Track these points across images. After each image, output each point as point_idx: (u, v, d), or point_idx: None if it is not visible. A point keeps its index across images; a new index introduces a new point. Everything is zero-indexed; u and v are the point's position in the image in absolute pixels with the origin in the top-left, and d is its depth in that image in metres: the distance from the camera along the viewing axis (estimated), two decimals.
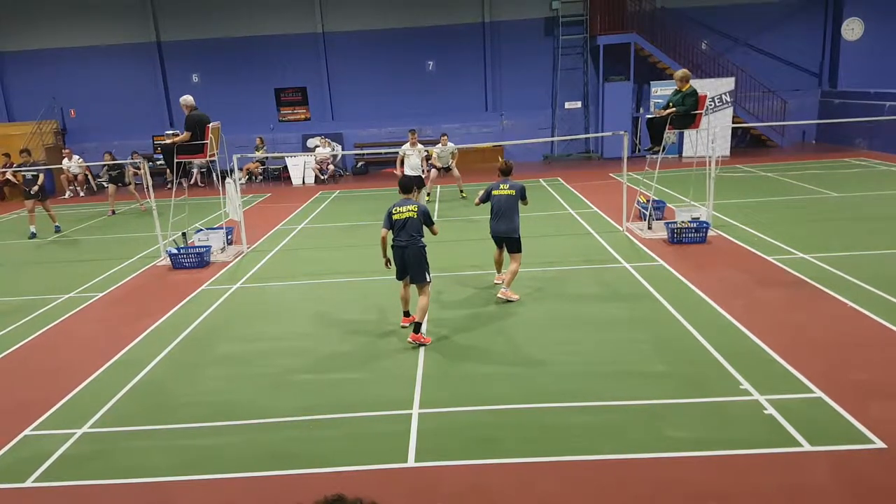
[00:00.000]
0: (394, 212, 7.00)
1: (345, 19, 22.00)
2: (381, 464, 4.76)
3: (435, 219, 13.49)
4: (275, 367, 6.59)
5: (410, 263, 6.98)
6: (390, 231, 7.03)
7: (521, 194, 8.14)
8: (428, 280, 7.05)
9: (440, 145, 16.01)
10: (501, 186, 8.13)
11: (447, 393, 5.81)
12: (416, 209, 6.99)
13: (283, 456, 4.94)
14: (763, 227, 10.97)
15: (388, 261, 7.17)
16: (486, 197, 8.24)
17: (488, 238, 8.47)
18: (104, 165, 16.52)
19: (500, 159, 8.47)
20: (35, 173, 14.01)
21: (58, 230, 14.25)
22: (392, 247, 7.07)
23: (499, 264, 8.67)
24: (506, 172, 8.26)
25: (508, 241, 8.15)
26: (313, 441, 5.18)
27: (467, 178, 16.64)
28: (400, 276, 7.19)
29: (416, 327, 6.96)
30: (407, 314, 7.43)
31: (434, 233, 7.19)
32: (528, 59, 22.12)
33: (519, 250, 8.13)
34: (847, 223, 11.21)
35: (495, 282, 8.74)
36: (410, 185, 7.27)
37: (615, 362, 6.24)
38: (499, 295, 8.15)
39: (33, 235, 13.96)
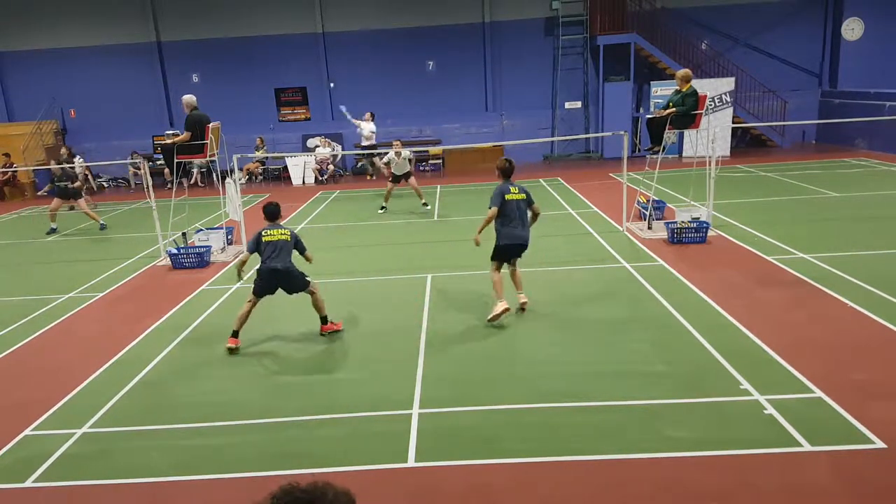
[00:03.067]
0: (264, 234, 7.06)
1: (345, 19, 22.00)
2: (381, 464, 4.76)
3: (435, 218, 13.64)
4: (275, 366, 6.60)
5: (288, 283, 7.13)
6: (255, 253, 7.11)
7: (530, 199, 7.41)
8: (310, 283, 7.23)
9: (392, 151, 14.44)
10: (512, 189, 7.28)
11: (447, 393, 5.81)
12: (288, 234, 7.11)
13: (283, 456, 4.94)
14: (763, 227, 10.97)
15: (240, 274, 7.26)
16: (501, 203, 7.23)
17: (488, 238, 7.68)
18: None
19: (499, 158, 7.67)
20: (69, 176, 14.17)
21: (103, 227, 14.21)
22: (260, 269, 7.09)
23: (500, 285, 7.39)
24: (509, 173, 7.42)
25: (523, 249, 7.43)
26: (313, 441, 5.18)
27: (468, 179, 16.63)
28: (260, 295, 7.15)
29: (324, 320, 7.29)
30: (235, 334, 7.09)
31: (308, 259, 7.27)
32: (528, 59, 22.12)
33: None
34: (847, 223, 11.21)
35: (502, 311, 7.23)
36: (277, 213, 7.27)
37: (615, 362, 6.24)
38: (523, 304, 7.50)
39: (53, 231, 14.15)
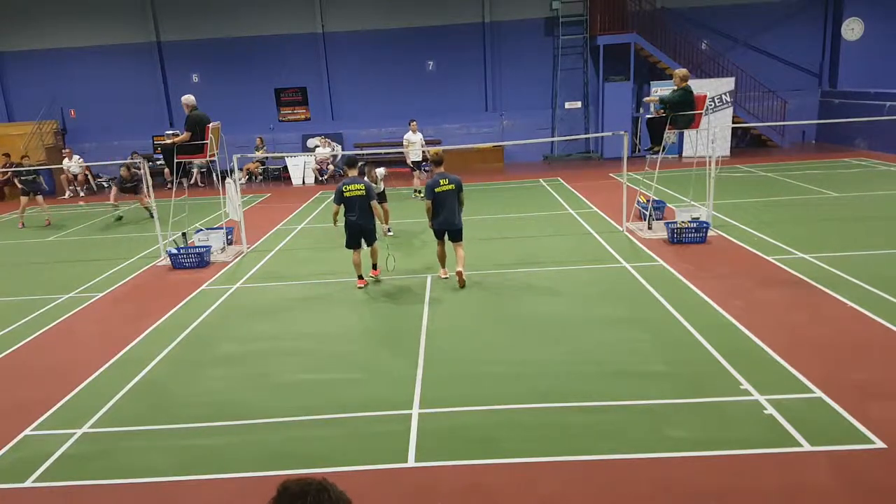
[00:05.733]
0: (345, 190, 8.35)
1: (345, 19, 22.01)
2: (381, 464, 4.76)
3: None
4: (275, 367, 6.59)
5: (366, 236, 8.68)
6: (341, 206, 8.49)
7: (460, 187, 8.63)
8: (377, 240, 8.86)
9: (410, 132, 15.20)
10: (442, 182, 8.58)
11: (447, 393, 5.81)
12: (363, 188, 8.38)
13: (283, 456, 4.94)
14: (763, 227, 10.97)
15: (335, 221, 8.63)
16: (432, 194, 8.59)
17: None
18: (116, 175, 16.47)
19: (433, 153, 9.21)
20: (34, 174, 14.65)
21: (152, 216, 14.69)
22: (346, 223, 8.55)
23: (442, 259, 9.13)
24: (439, 163, 8.77)
25: (452, 231, 8.80)
26: (313, 441, 5.18)
27: (468, 179, 16.57)
28: (353, 247, 8.66)
29: (375, 266, 9.05)
30: (361, 277, 8.89)
31: (376, 210, 8.55)
32: (528, 59, 22.12)
33: (462, 238, 8.90)
34: (847, 223, 11.21)
35: (443, 276, 9.11)
36: (356, 163, 8.77)
37: (615, 362, 6.24)
38: (459, 273, 8.69)
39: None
